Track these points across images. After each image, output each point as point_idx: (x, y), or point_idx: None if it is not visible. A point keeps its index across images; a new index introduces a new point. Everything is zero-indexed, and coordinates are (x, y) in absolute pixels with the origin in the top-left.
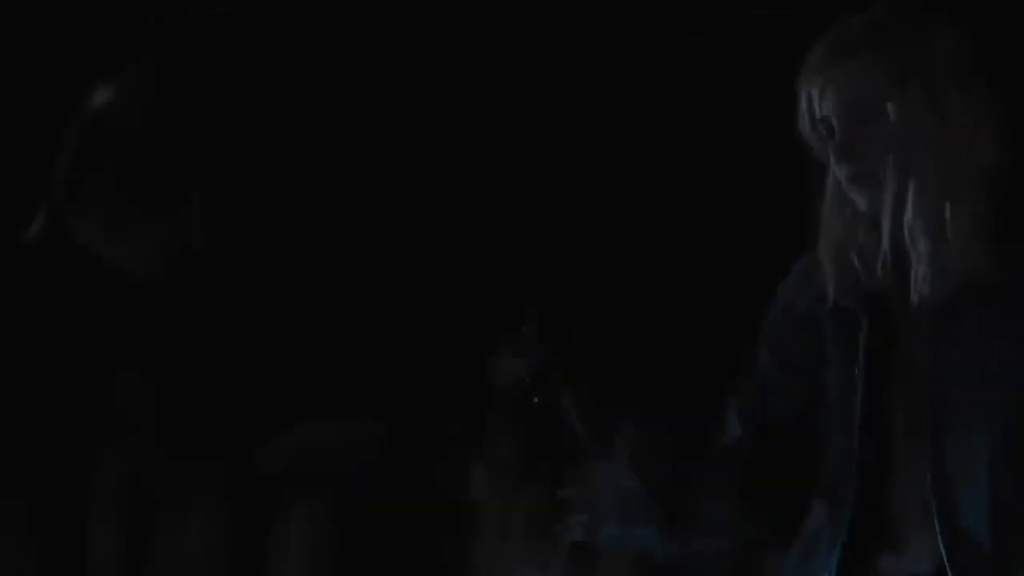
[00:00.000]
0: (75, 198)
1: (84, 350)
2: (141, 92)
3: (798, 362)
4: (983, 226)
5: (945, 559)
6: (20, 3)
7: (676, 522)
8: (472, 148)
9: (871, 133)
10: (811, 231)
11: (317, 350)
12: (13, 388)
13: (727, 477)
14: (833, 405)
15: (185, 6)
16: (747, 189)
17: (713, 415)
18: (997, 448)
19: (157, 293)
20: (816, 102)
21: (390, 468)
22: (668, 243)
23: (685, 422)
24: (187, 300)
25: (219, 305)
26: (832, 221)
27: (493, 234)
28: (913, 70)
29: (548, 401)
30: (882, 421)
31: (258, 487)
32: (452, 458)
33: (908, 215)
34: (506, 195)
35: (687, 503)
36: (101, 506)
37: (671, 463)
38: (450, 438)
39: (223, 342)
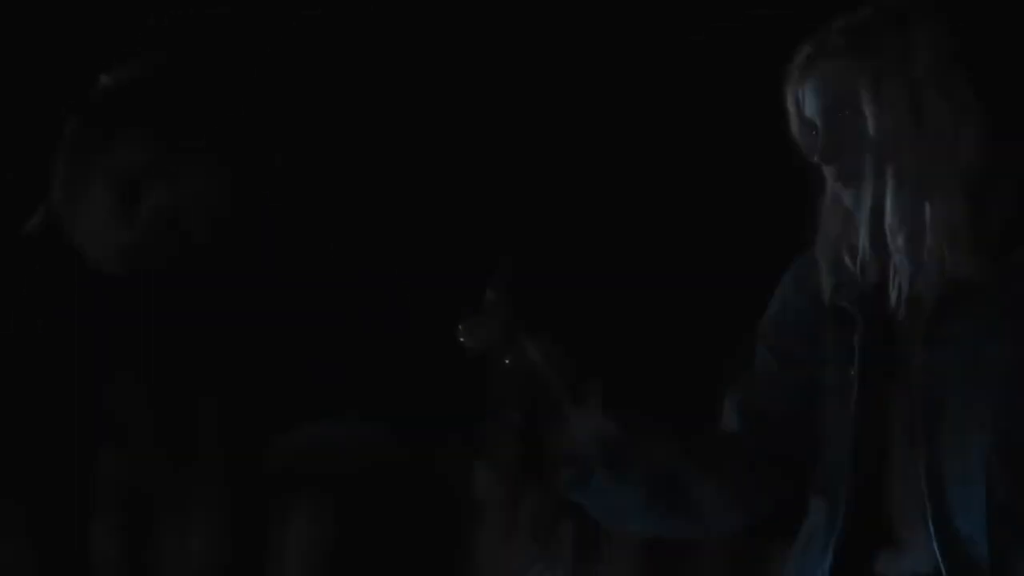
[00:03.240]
0: (69, 195)
1: (80, 351)
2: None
3: (795, 360)
4: (964, 226)
5: (941, 562)
6: (20, 3)
7: (658, 483)
8: (473, 149)
9: (851, 133)
10: (809, 229)
11: (318, 349)
12: (10, 390)
13: (718, 461)
14: (829, 404)
15: (185, 6)
16: (746, 187)
17: (708, 407)
18: (992, 450)
19: (153, 291)
20: (801, 103)
21: (392, 469)
22: (667, 241)
23: (680, 414)
24: (185, 298)
25: (219, 305)
26: (829, 220)
27: (496, 236)
28: (890, 70)
29: (519, 360)
30: (878, 421)
31: (259, 488)
32: (455, 458)
33: (887, 214)
34: (505, 195)
35: (668, 465)
36: (101, 509)
37: (649, 419)
38: (453, 438)
39: (223, 342)
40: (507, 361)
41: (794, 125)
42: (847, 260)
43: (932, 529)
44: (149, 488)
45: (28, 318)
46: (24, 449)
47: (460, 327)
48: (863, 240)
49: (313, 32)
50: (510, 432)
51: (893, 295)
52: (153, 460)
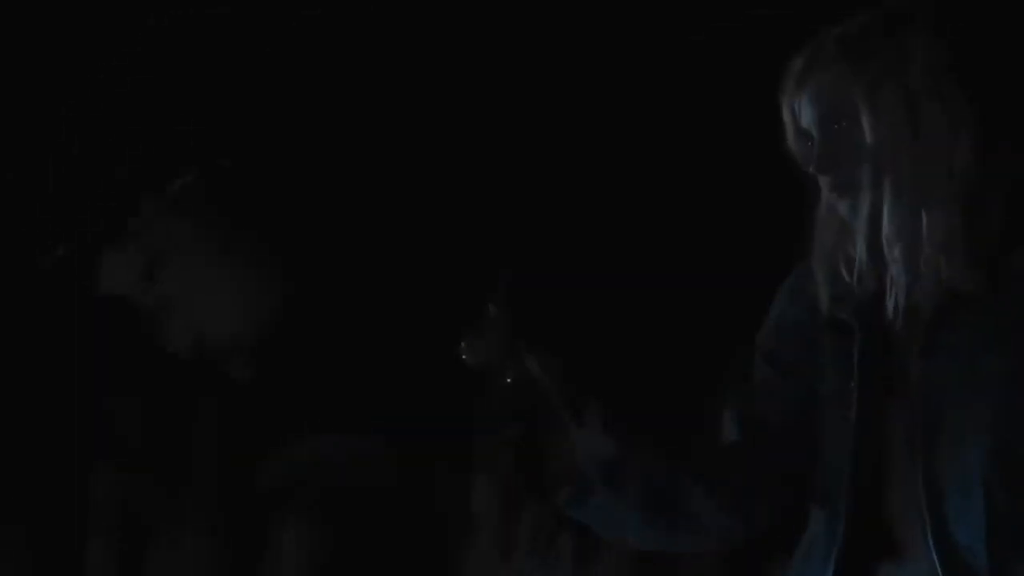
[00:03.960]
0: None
1: (80, 370)
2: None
3: (794, 370)
4: (960, 235)
5: (940, 572)
6: (21, 3)
7: (658, 499)
8: (475, 156)
9: (847, 144)
10: (806, 238)
11: (316, 365)
12: (10, 407)
13: (717, 473)
14: (828, 414)
15: (185, 6)
16: (745, 189)
17: (705, 416)
18: (990, 459)
19: (148, 313)
20: (796, 114)
21: (390, 483)
22: (665, 242)
23: (679, 426)
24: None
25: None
26: (824, 231)
27: (495, 248)
28: (886, 80)
29: (519, 376)
30: (877, 431)
31: (254, 502)
32: (453, 473)
33: (884, 224)
34: (504, 206)
35: (668, 481)
36: (98, 526)
37: (649, 434)
38: (451, 453)
39: (220, 356)
40: (507, 378)
41: (790, 136)
42: (844, 271)
43: (931, 539)
44: (145, 505)
45: (32, 340)
46: (23, 468)
47: (462, 344)
48: (860, 251)
49: (313, 32)
50: (509, 447)
51: (890, 305)
52: (149, 477)
